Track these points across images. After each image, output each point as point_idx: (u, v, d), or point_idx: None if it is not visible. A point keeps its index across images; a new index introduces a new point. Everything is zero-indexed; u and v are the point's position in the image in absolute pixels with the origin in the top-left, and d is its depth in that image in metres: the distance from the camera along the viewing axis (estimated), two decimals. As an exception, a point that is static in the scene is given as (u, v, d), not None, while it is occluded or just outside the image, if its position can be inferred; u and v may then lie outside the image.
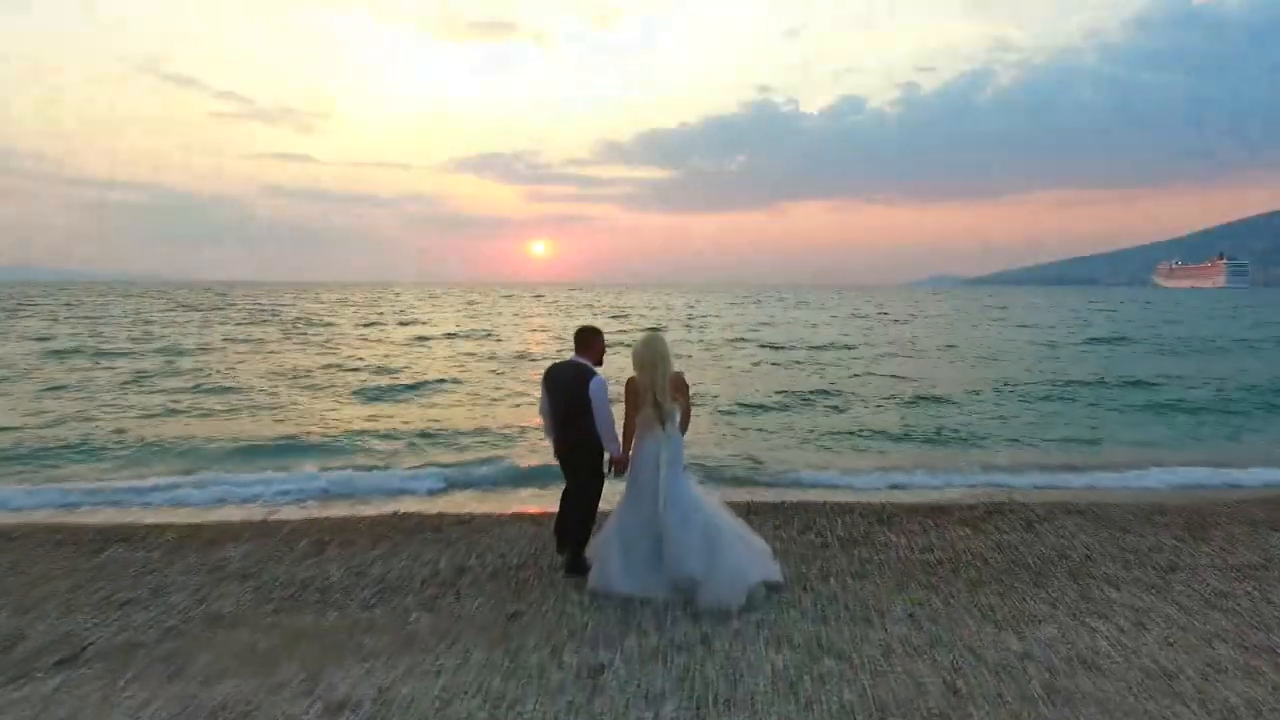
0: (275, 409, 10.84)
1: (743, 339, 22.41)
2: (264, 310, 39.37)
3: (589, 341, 4.33)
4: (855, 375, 15.13)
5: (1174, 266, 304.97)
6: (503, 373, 15.27)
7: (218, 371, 14.86)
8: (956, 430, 9.64)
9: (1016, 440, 9.25)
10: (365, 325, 28.75)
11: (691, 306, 51.67)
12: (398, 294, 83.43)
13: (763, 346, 20.89)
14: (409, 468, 7.62)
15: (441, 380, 13.60)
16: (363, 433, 9.38)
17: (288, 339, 22.66)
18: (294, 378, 13.97)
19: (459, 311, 42.10)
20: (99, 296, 66.82)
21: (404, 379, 13.83)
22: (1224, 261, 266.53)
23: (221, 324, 26.22)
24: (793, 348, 21.05)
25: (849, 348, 20.43)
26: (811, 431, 9.57)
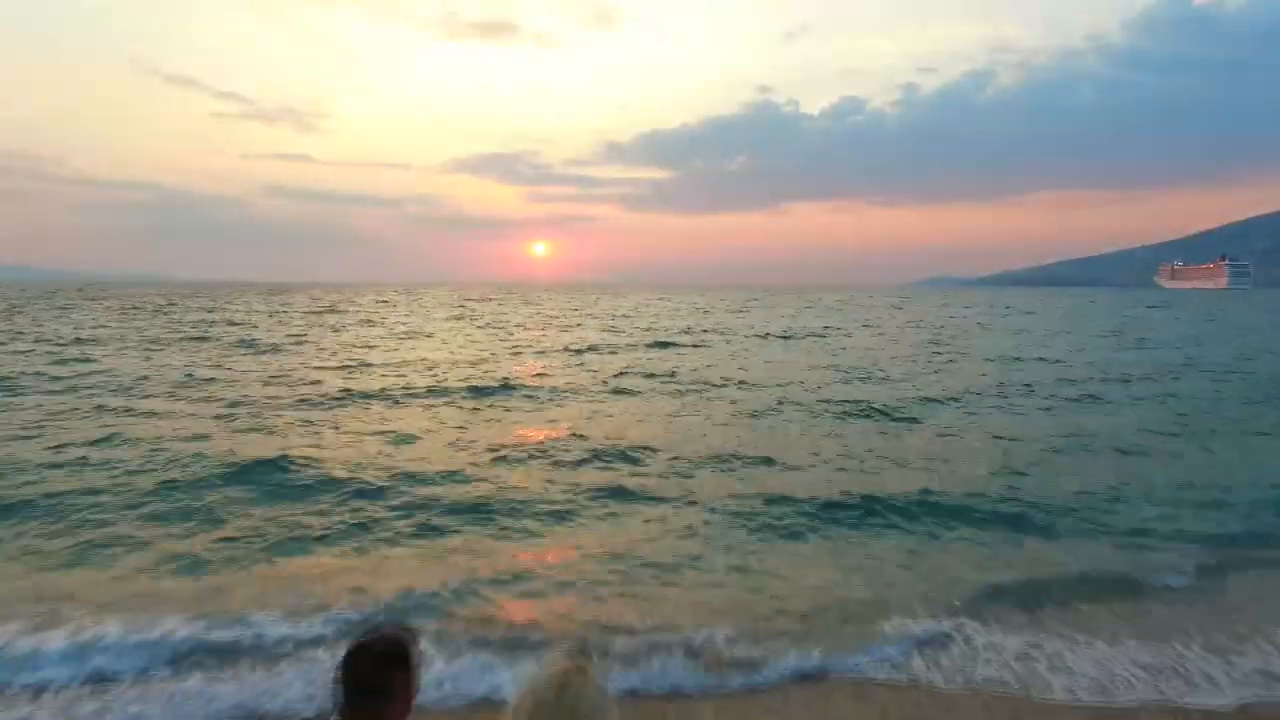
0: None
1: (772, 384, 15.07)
2: (232, 320, 36.14)
3: (382, 688, 1.63)
4: (909, 428, 10.97)
5: (1176, 268, 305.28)
6: (472, 437, 9.76)
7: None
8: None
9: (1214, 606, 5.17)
10: (303, 343, 25.71)
11: (703, 311, 48.34)
12: (393, 298, 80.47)
13: (781, 381, 17.44)
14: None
15: (361, 472, 7.84)
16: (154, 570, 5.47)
17: (217, 366, 19.54)
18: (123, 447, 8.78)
19: (446, 319, 39.04)
20: (71, 299, 63.71)
21: (312, 460, 8.19)
22: (1226, 263, 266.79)
23: (148, 349, 20.63)
24: (826, 374, 17.89)
25: (890, 379, 16.97)
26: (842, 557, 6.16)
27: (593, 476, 7.90)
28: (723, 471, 8.19)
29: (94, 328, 29.26)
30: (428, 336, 25.95)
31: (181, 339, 23.82)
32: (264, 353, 19.83)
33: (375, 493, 7.24)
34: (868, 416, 11.24)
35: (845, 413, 11.40)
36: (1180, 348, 24.32)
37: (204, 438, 9.52)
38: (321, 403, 12.13)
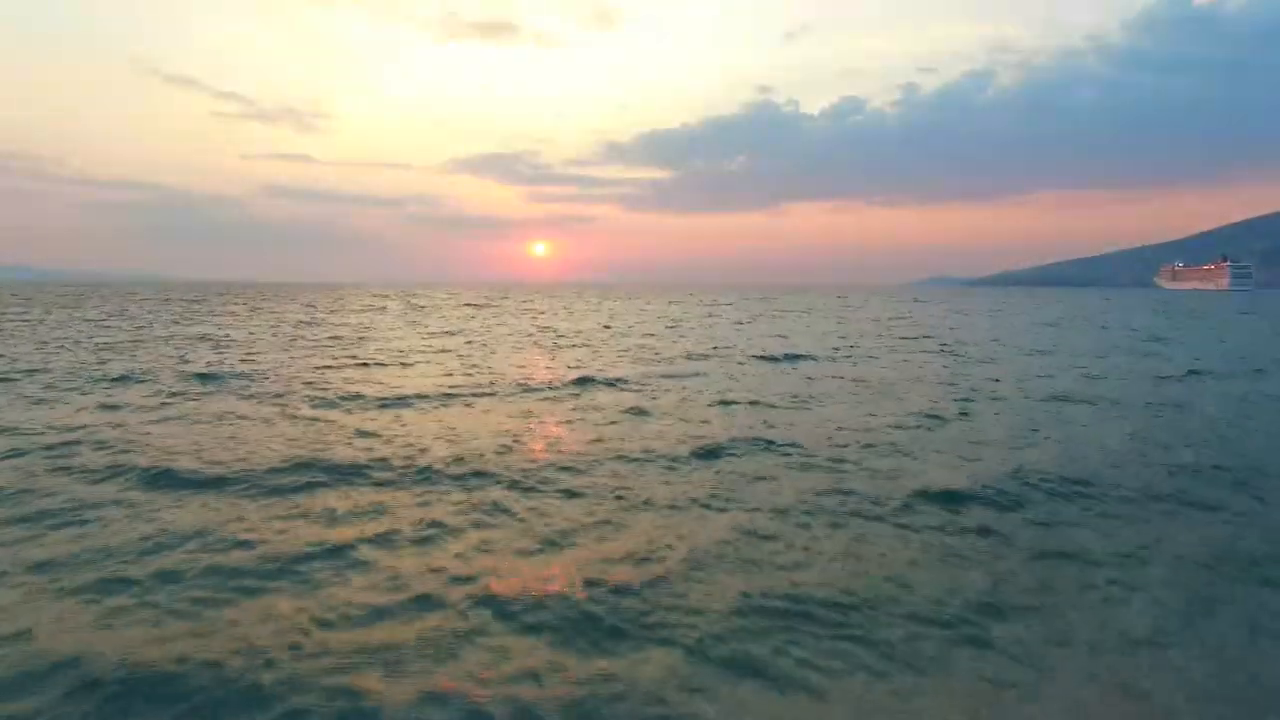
0: None
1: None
2: (201, 336, 33.64)
3: None
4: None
5: (1177, 269, 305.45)
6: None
7: None
8: None
9: None
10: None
11: (707, 320, 45.55)
12: (385, 304, 78.09)
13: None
14: None
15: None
16: None
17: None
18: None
19: (431, 334, 36.55)
20: (55, 301, 60.98)
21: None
22: (1227, 264, 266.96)
23: (78, 390, 17.15)
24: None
25: (956, 446, 13.93)
26: None
27: (602, 664, 5.36)
28: (814, 667, 5.19)
29: (34, 347, 26.73)
30: (403, 365, 23.39)
31: (132, 367, 21.28)
32: (206, 393, 17.24)
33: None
34: (956, 511, 8.67)
35: (931, 509, 8.78)
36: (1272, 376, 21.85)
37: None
38: (231, 490, 9.57)
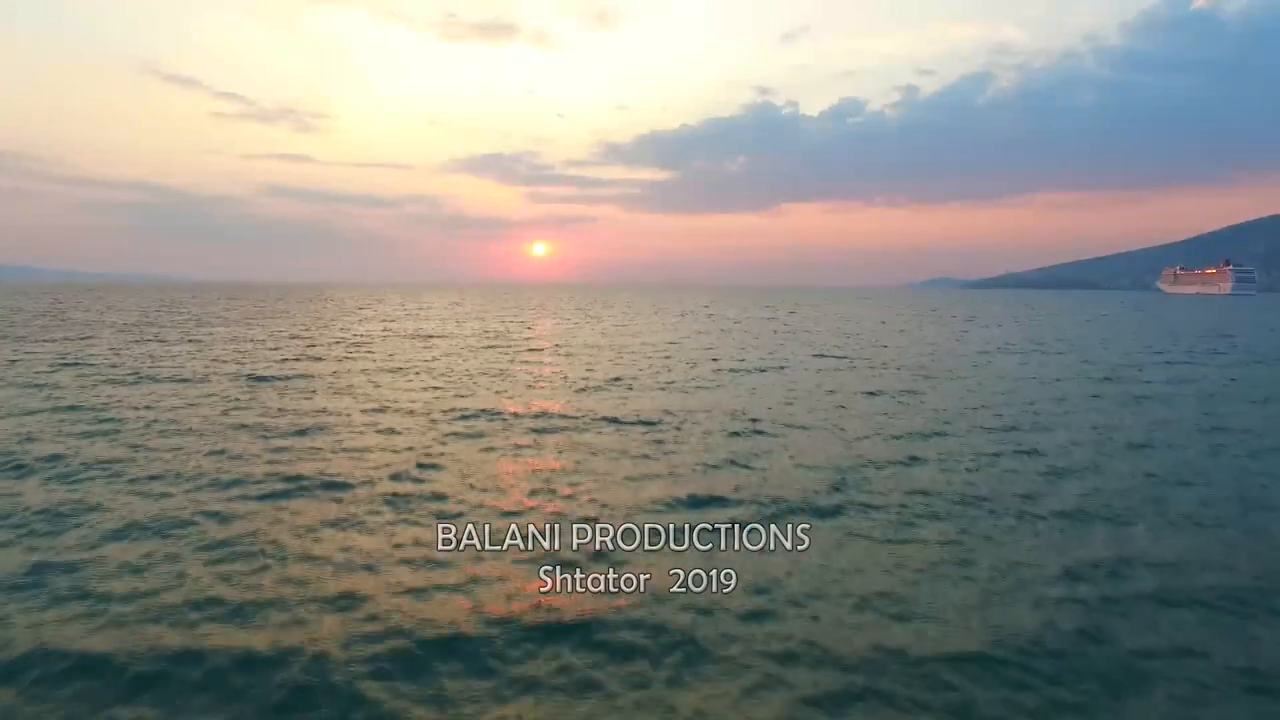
0: None
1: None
2: (136, 405, 29.05)
3: None
4: None
5: (1179, 272, 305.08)
6: None
7: None
8: None
9: None
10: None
11: (712, 362, 40.24)
12: (367, 316, 73.84)
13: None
14: None
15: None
16: None
17: None
18: None
19: (360, 409, 32.00)
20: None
21: None
22: (1230, 267, 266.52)
23: None
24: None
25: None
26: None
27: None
28: None
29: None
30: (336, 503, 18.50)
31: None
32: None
33: None
34: None
35: None
36: None
37: None
38: None
